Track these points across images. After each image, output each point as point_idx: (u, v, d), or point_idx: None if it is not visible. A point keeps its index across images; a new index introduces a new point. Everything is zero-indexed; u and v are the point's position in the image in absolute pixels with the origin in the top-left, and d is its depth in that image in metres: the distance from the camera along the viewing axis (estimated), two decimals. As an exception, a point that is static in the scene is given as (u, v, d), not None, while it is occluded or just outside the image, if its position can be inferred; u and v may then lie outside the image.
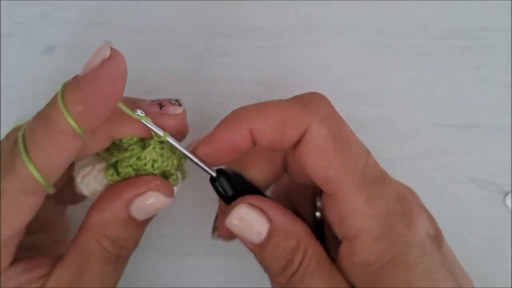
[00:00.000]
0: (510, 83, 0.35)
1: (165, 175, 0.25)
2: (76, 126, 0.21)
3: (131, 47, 0.35)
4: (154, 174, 0.24)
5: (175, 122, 0.24)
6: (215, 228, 0.28)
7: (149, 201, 0.23)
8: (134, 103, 0.24)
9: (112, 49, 0.21)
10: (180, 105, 0.25)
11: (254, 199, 0.24)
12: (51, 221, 0.28)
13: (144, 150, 0.24)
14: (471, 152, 0.35)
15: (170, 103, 0.24)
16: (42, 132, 0.21)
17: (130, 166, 0.24)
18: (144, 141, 0.24)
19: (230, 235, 0.26)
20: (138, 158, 0.24)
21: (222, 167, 0.25)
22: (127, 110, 0.23)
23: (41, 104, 0.34)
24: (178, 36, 0.35)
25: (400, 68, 0.35)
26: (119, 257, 0.24)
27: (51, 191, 0.22)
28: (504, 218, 0.34)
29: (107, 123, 0.23)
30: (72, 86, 0.21)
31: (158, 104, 0.24)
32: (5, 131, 0.33)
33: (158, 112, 0.24)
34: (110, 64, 0.21)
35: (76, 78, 0.21)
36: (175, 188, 0.25)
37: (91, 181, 0.24)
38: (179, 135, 0.25)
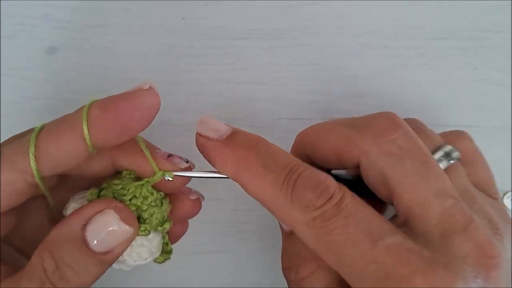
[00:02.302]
0: (510, 84, 0.35)
1: (141, 217, 0.24)
2: (87, 133, 0.22)
3: (131, 48, 0.35)
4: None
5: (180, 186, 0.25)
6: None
7: (106, 220, 0.22)
8: (149, 146, 0.25)
9: (151, 86, 0.23)
10: (187, 162, 0.25)
11: None
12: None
13: (133, 182, 0.24)
14: (470, 152, 0.35)
15: (180, 157, 0.25)
16: (57, 124, 0.23)
17: (113, 192, 0.24)
18: (138, 179, 0.24)
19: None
20: (123, 188, 0.24)
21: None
22: (141, 143, 0.24)
23: (42, 105, 0.34)
24: (178, 37, 0.35)
25: (400, 69, 0.36)
26: None
27: (38, 180, 0.22)
28: (503, 218, 0.34)
29: (113, 151, 0.24)
30: (103, 99, 0.23)
31: (168, 154, 0.25)
32: (5, 131, 0.34)
33: (165, 157, 0.24)
34: (145, 93, 0.22)
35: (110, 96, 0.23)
36: (146, 254, 0.24)
37: None
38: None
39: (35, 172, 0.22)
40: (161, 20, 0.35)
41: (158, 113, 0.23)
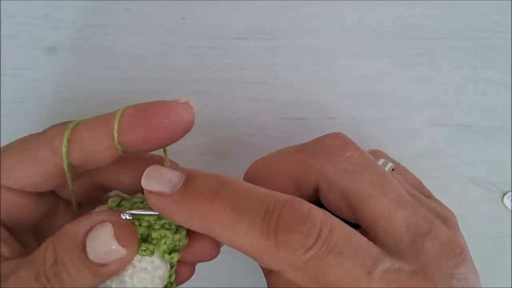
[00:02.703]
0: (510, 84, 0.35)
1: (150, 236, 0.23)
2: (116, 128, 0.22)
3: (131, 48, 0.35)
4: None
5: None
6: None
7: (103, 233, 0.21)
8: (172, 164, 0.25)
9: (188, 102, 0.22)
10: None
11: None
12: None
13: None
14: (470, 152, 0.35)
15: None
16: (96, 117, 0.23)
17: (132, 204, 0.24)
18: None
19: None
20: (142, 202, 0.24)
21: None
22: (166, 157, 0.24)
23: (42, 105, 0.34)
24: (178, 37, 0.35)
25: (400, 69, 0.36)
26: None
27: (65, 164, 0.23)
28: (503, 218, 0.34)
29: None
30: (140, 103, 0.23)
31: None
32: (5, 131, 0.34)
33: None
34: (179, 106, 0.22)
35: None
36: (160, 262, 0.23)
37: None
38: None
39: (64, 154, 0.22)
40: (161, 20, 0.35)
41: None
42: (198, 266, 0.32)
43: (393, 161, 0.29)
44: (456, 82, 0.36)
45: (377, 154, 0.29)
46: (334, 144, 0.24)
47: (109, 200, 0.24)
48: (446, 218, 0.24)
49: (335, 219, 0.21)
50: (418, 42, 0.36)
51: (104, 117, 0.23)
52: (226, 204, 0.20)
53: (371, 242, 0.21)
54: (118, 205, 0.24)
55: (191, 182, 0.21)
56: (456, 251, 0.22)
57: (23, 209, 0.24)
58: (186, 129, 0.23)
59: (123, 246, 0.21)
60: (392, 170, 0.27)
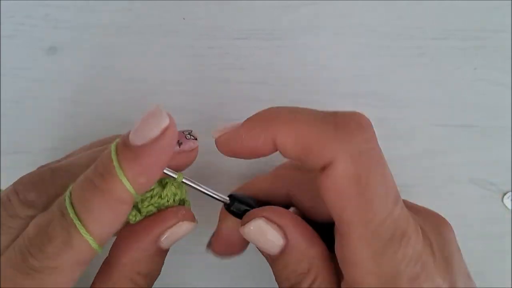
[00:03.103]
0: (510, 84, 0.35)
1: (180, 203, 0.26)
2: (136, 195, 0.21)
3: (131, 48, 0.35)
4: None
5: (191, 159, 0.25)
6: (209, 243, 0.28)
7: (180, 231, 0.24)
8: None
9: (169, 116, 0.21)
10: (195, 138, 0.25)
11: (273, 212, 0.23)
12: None
13: (165, 188, 0.24)
14: (470, 152, 0.35)
15: (186, 138, 0.24)
16: (98, 202, 0.20)
17: (152, 204, 0.24)
18: (161, 180, 0.25)
19: (223, 252, 0.27)
20: (160, 197, 0.24)
21: (234, 193, 0.26)
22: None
23: (42, 105, 0.34)
24: (178, 37, 0.35)
25: (400, 69, 0.36)
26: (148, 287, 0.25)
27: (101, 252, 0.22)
28: (503, 218, 0.34)
29: None
30: (131, 157, 0.20)
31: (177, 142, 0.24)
32: (5, 131, 0.34)
33: (177, 150, 0.24)
34: (170, 135, 0.21)
35: (131, 147, 0.20)
36: None
37: None
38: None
39: (99, 251, 0.22)
40: (161, 20, 0.35)
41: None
42: (198, 266, 0.32)
43: None
44: (456, 82, 0.36)
45: None
46: (356, 122, 0.23)
47: (129, 216, 0.24)
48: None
49: None
50: (418, 42, 0.36)
51: (108, 194, 0.21)
52: (287, 109, 0.23)
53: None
54: (137, 210, 0.24)
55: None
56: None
57: None
58: (175, 142, 0.22)
59: (194, 222, 0.25)
60: None
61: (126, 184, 0.20)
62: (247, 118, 0.23)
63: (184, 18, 0.36)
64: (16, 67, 0.34)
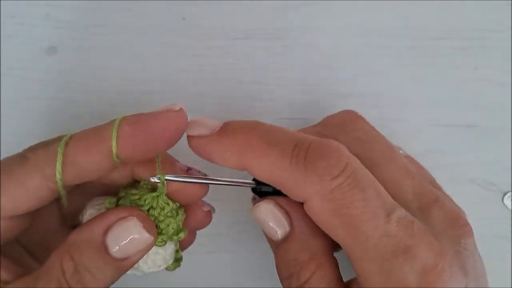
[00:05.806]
0: (510, 84, 0.35)
1: (158, 228, 0.24)
2: (115, 149, 0.22)
3: (131, 48, 0.35)
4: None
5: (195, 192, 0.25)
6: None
7: (129, 227, 0.22)
8: (168, 158, 0.25)
9: (182, 108, 0.23)
10: (205, 175, 0.25)
11: (285, 199, 0.24)
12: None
13: (149, 193, 0.24)
14: (470, 152, 0.35)
15: (198, 171, 0.25)
16: (87, 136, 0.22)
17: (130, 202, 0.24)
18: (154, 190, 0.24)
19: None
20: (139, 198, 0.24)
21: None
22: (157, 157, 0.24)
23: (42, 105, 0.34)
24: (178, 37, 0.35)
25: (400, 69, 0.36)
26: None
27: (61, 189, 0.22)
28: (503, 218, 0.34)
29: (135, 164, 0.24)
30: (133, 115, 0.22)
31: (187, 167, 0.25)
32: (5, 131, 0.34)
33: (184, 171, 0.24)
34: (175, 115, 0.22)
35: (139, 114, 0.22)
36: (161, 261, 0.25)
37: None
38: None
39: (59, 181, 0.22)
40: (161, 20, 0.35)
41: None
42: (198, 266, 0.32)
43: (408, 156, 0.30)
44: (456, 82, 0.36)
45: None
46: (347, 117, 0.27)
47: (106, 202, 0.24)
48: (443, 193, 0.26)
49: (360, 163, 0.22)
50: (418, 42, 0.36)
51: (97, 133, 0.22)
52: (260, 136, 0.22)
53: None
54: (116, 204, 0.24)
55: (228, 124, 0.23)
56: (461, 223, 0.24)
57: (14, 230, 0.24)
58: (181, 134, 0.23)
59: (150, 234, 0.23)
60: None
61: (114, 129, 0.22)
62: (218, 133, 0.23)
63: (184, 18, 0.36)
64: (16, 67, 0.34)
